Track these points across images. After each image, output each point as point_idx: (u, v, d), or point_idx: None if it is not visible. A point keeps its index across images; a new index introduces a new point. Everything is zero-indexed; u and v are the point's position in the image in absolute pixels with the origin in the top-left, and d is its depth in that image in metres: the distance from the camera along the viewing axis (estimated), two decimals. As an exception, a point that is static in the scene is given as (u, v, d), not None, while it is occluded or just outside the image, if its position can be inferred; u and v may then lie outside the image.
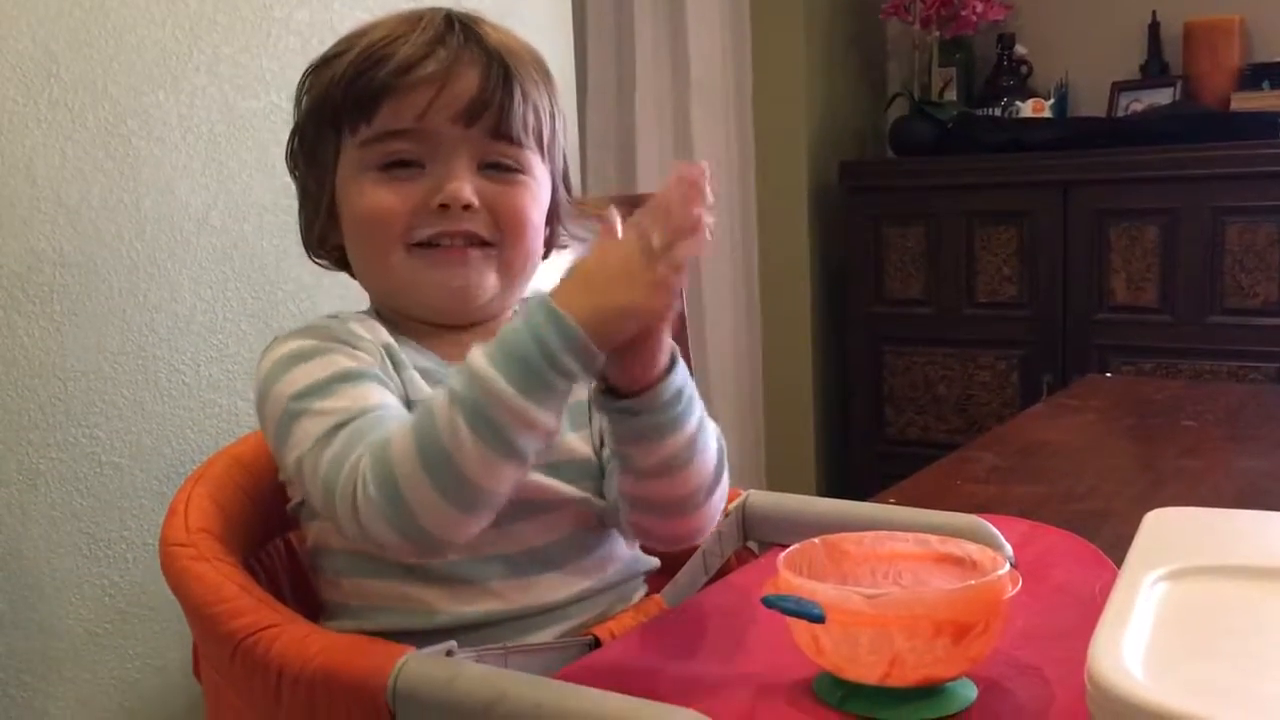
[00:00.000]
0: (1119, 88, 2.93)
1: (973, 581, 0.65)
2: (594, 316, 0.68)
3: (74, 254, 1.21)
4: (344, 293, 1.47)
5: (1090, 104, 2.99)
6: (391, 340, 0.84)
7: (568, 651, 0.80)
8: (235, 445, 0.93)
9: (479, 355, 0.70)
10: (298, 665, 0.68)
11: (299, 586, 0.93)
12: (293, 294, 1.42)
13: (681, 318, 1.63)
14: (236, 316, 1.37)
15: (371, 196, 0.82)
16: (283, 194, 1.39)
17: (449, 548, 0.74)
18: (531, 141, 0.84)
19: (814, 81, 3.03)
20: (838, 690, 0.66)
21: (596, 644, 0.81)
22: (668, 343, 0.74)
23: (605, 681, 0.64)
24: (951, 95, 3.04)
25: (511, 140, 0.83)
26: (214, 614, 0.75)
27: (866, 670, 0.64)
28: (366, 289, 0.90)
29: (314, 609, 0.88)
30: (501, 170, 0.84)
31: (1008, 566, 0.66)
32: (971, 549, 0.70)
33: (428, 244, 0.83)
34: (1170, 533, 0.72)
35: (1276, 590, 0.63)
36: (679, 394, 0.75)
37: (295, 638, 0.70)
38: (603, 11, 2.79)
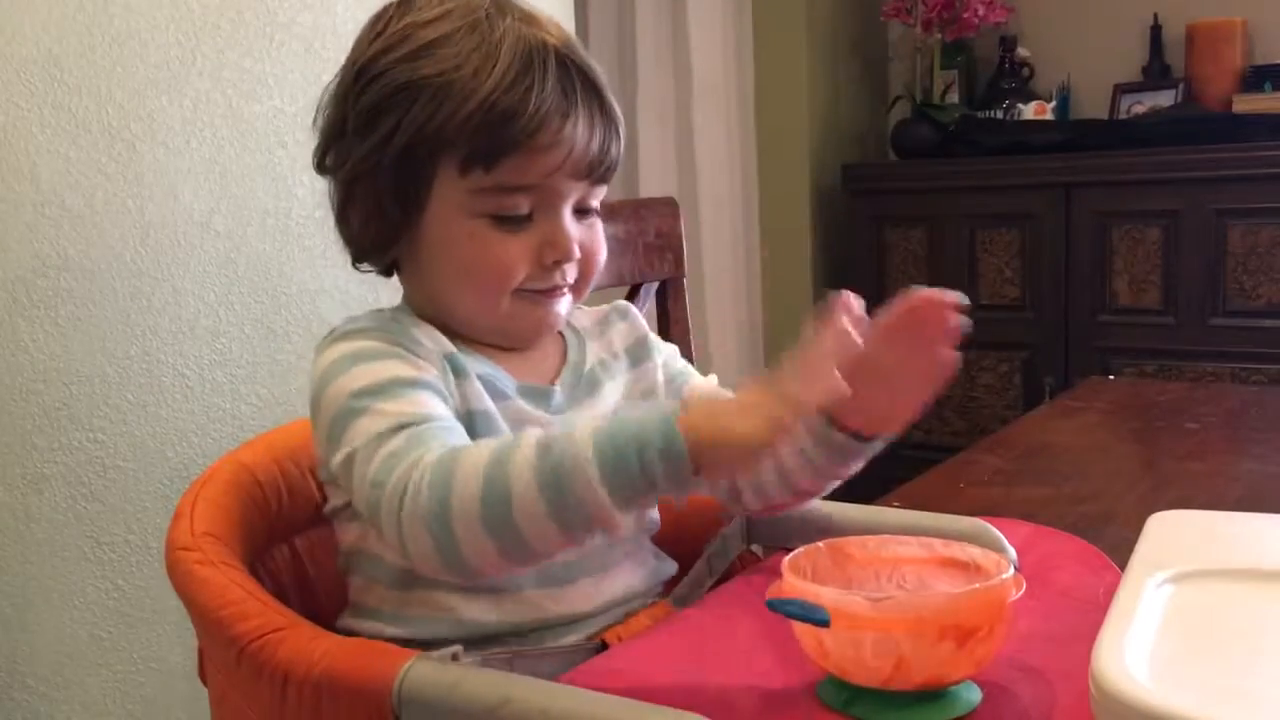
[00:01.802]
0: (1121, 90, 2.94)
1: (977, 585, 0.65)
2: (708, 442, 0.68)
3: (78, 258, 1.21)
4: (345, 298, 1.47)
5: (1092, 106, 2.99)
6: (454, 349, 0.83)
7: (574, 655, 0.80)
8: (240, 450, 0.93)
9: (588, 437, 0.69)
10: (303, 669, 0.69)
11: (303, 591, 0.93)
12: (295, 298, 1.43)
13: (684, 319, 1.63)
14: (240, 320, 1.37)
15: (491, 248, 0.81)
16: (285, 198, 1.39)
17: (479, 578, 0.75)
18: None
19: (816, 84, 3.03)
20: (842, 694, 0.66)
21: (603, 648, 0.81)
22: None
23: (611, 685, 0.64)
24: (953, 98, 3.04)
25: (605, 185, 0.85)
26: (219, 618, 0.75)
27: (871, 674, 0.64)
28: (438, 309, 0.86)
29: (319, 614, 0.88)
30: (588, 213, 0.85)
31: (1011, 570, 0.67)
32: (975, 553, 0.71)
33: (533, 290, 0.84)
34: (1174, 536, 0.72)
35: (1280, 593, 0.63)
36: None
37: (301, 641, 0.71)
38: (605, 14, 2.80)
